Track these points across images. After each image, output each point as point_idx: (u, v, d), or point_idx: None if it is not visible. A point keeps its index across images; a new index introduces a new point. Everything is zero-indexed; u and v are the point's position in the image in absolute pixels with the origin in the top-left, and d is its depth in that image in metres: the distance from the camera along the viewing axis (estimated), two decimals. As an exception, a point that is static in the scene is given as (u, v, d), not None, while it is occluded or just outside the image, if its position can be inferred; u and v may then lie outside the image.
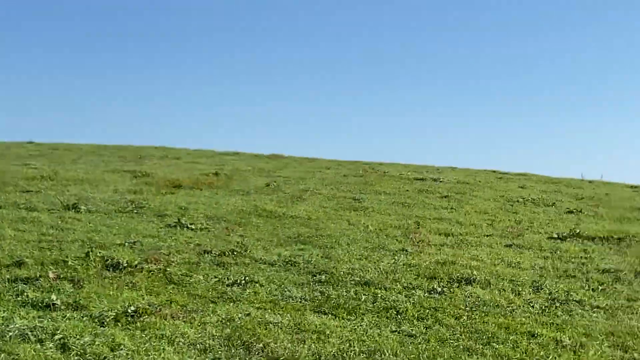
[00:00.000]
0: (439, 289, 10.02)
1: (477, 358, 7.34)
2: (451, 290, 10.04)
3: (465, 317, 8.74)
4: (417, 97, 79.12)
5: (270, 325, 7.91)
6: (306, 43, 75.57)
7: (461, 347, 7.68)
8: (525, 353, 7.46)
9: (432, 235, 14.93)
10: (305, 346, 7.31)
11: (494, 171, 30.51)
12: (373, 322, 8.42)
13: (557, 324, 8.56)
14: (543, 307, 9.30)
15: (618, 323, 8.62)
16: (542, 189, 24.01)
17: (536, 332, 8.17)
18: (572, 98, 78.31)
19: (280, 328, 7.84)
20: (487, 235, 15.18)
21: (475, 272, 11.02)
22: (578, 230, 15.88)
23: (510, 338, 7.95)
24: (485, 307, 9.19)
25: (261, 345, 7.23)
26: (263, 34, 74.31)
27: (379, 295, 9.55)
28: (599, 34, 76.41)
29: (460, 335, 8.08)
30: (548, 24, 77.33)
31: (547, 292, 10.17)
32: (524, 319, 8.76)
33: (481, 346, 7.69)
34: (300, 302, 9.08)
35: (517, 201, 20.67)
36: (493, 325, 8.42)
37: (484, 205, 19.54)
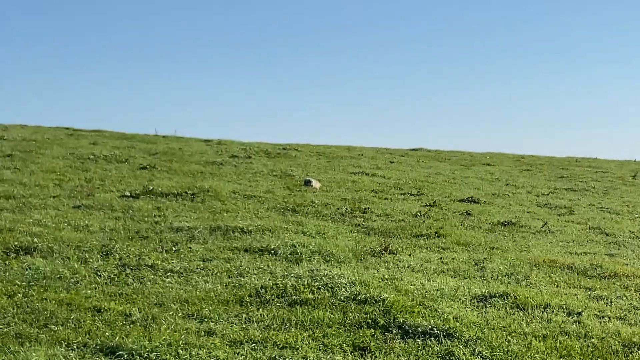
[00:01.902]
0: (-8, 263, 8.56)
1: (30, 345, 6.15)
2: (6, 262, 8.64)
3: (20, 295, 7.46)
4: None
5: None
6: None
7: (12, 333, 6.42)
8: (89, 334, 6.44)
9: (-10, 199, 13.15)
10: None
11: (67, 128, 28.82)
12: None
13: (127, 295, 7.69)
14: (112, 276, 8.36)
15: (193, 288, 8.02)
16: (115, 145, 23.09)
17: (103, 306, 7.19)
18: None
19: None
20: (54, 197, 13.83)
21: (36, 240, 9.71)
22: (151, 187, 15.28)
23: (73, 316, 6.87)
24: (45, 281, 7.98)
25: None
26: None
27: None
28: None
29: (13, 317, 6.80)
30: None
31: (118, 257, 9.26)
32: (89, 291, 7.73)
33: (37, 330, 6.51)
34: None
35: (89, 158, 19.49)
36: (53, 302, 7.26)
37: (52, 163, 18.01)
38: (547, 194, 20.66)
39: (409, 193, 18.58)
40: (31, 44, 75.42)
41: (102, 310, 7.08)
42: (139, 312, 7.05)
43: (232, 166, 20.75)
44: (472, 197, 18.29)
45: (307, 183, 18.21)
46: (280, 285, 8.01)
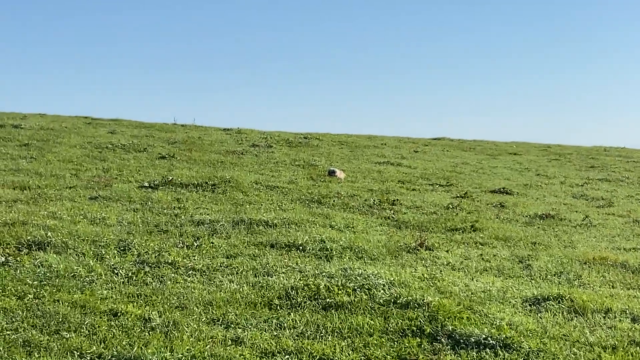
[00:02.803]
0: (3, 259, 7.94)
1: (39, 356, 5.51)
2: (18, 259, 8.00)
3: (31, 296, 6.82)
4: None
5: None
6: None
7: (20, 340, 5.78)
8: (104, 342, 5.79)
9: (4, 189, 12.56)
10: None
11: (85, 117, 28.26)
12: None
13: (146, 296, 7.03)
14: (130, 274, 7.70)
15: (217, 288, 7.35)
16: (133, 134, 22.50)
17: (120, 309, 6.52)
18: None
19: None
20: (70, 187, 13.23)
21: (50, 234, 9.08)
22: (171, 177, 14.66)
23: (87, 321, 6.22)
24: (58, 280, 7.34)
25: None
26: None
27: None
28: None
29: (22, 322, 6.17)
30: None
31: (136, 253, 8.62)
32: (105, 291, 7.08)
33: (47, 337, 5.87)
34: None
35: (107, 147, 18.91)
36: (66, 304, 6.62)
37: (69, 153, 17.43)
38: (582, 185, 19.85)
39: (437, 184, 17.85)
40: (52, 34, 75.17)
41: (119, 314, 6.42)
42: (159, 317, 6.39)
43: (253, 155, 20.10)
44: (503, 188, 17.55)
45: (332, 173, 17.53)
46: (312, 286, 7.32)
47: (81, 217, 10.48)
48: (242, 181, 15.12)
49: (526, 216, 13.82)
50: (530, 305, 7.35)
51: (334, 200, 13.98)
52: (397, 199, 14.51)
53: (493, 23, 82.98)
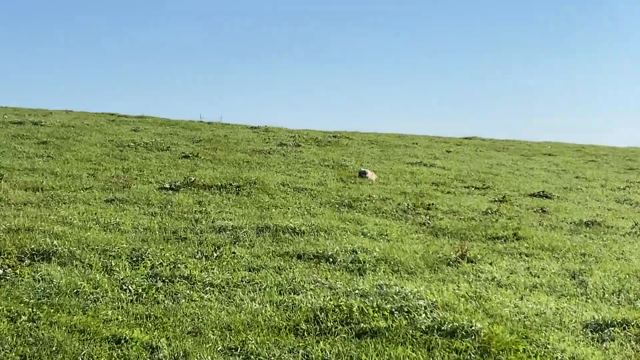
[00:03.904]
0: (0, 271, 7.18)
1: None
2: (17, 272, 7.24)
3: (25, 318, 6.04)
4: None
5: None
6: None
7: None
8: (100, 381, 4.99)
9: (15, 190, 11.86)
10: None
11: (112, 114, 27.66)
12: None
13: (157, 317, 6.22)
14: (140, 290, 6.89)
15: (237, 308, 6.52)
16: (157, 132, 21.77)
17: (125, 334, 5.70)
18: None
19: None
20: (86, 189, 12.50)
21: (57, 242, 8.33)
22: (193, 178, 13.89)
23: (85, 351, 5.41)
24: (58, 298, 6.55)
25: None
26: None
27: None
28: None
29: (10, 351, 5.38)
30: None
31: (149, 265, 7.82)
32: (111, 312, 6.28)
33: (33, 373, 5.07)
34: None
35: (128, 146, 18.20)
36: (64, 328, 5.82)
37: (88, 151, 16.72)
38: (624, 189, 18.78)
39: (473, 186, 16.92)
40: (85, 31, 75.15)
41: (122, 341, 5.60)
42: (168, 345, 5.56)
43: (281, 155, 19.29)
44: (543, 192, 16.56)
45: (363, 174, 16.66)
46: (344, 308, 6.47)
47: (94, 222, 9.73)
48: (268, 182, 14.32)
49: (570, 223, 12.87)
50: (592, 332, 6.45)
51: (365, 204, 13.14)
52: (432, 203, 13.62)
53: (524, 21, 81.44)
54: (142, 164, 15.82)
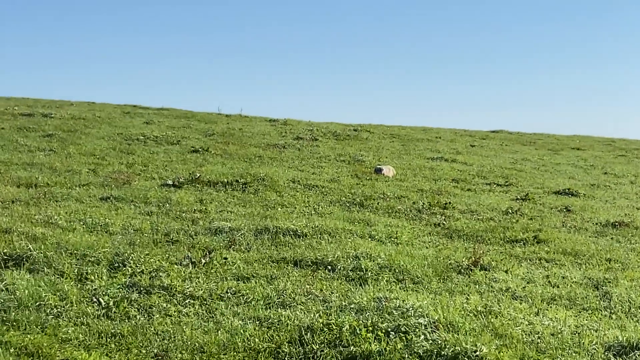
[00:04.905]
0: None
1: None
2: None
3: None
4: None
5: None
6: None
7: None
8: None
9: (7, 187, 11.30)
10: None
11: (134, 106, 27.16)
12: None
13: (122, 336, 5.51)
14: (111, 304, 6.21)
15: (215, 326, 5.79)
16: (170, 125, 21.16)
17: (80, 359, 5.06)
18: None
19: None
20: (83, 185, 11.91)
21: (34, 246, 7.69)
22: (198, 175, 13.25)
23: (29, 379, 4.78)
24: (16, 313, 5.81)
25: None
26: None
27: None
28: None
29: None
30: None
31: (129, 272, 7.15)
32: (72, 329, 5.55)
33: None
34: None
35: (137, 139, 17.60)
36: (13, 352, 5.13)
37: (93, 145, 16.15)
38: (656, 186, 17.89)
39: (495, 183, 16.14)
40: (115, 25, 75.26)
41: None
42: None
43: (295, 149, 18.60)
44: (568, 189, 15.73)
45: (379, 170, 15.93)
46: (334, 327, 5.75)
47: (80, 222, 9.11)
48: (277, 179, 13.65)
49: (596, 223, 12.06)
50: (614, 356, 5.68)
51: (378, 203, 12.43)
52: (450, 202, 12.86)
53: (554, 13, 80.00)
54: (149, 158, 15.21)
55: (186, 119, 23.48)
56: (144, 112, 24.78)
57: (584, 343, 5.88)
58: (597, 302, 7.26)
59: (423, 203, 12.61)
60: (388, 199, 12.82)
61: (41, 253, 7.44)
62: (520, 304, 7.00)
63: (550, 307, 6.98)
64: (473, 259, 8.50)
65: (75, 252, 7.62)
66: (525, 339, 5.86)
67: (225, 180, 13.14)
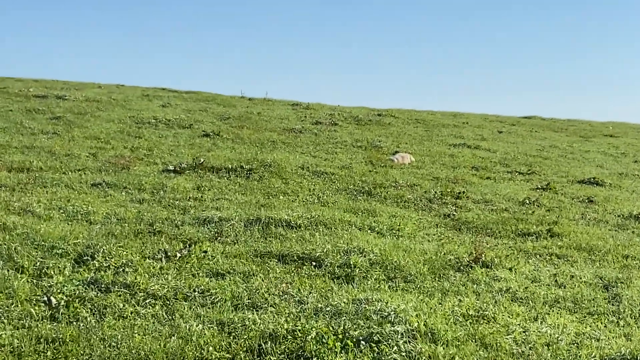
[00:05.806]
0: None
1: None
2: None
3: None
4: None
5: None
6: None
7: None
8: None
9: (-1, 172, 10.88)
10: None
11: (163, 89, 26.75)
12: None
13: (63, 343, 4.93)
14: (62, 303, 5.67)
15: (170, 331, 5.24)
16: (187, 108, 20.66)
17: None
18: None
19: None
20: (78, 170, 11.46)
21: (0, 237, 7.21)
22: (202, 160, 12.73)
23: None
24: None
25: None
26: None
27: None
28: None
29: None
30: None
31: (95, 267, 6.63)
32: (10, 333, 5.06)
33: None
34: None
35: (148, 123, 17.13)
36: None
37: (100, 128, 15.70)
38: (689, 175, 16.98)
39: (516, 171, 15.42)
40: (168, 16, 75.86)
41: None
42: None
43: (312, 134, 17.99)
44: (594, 178, 14.94)
45: (394, 157, 15.30)
46: (299, 334, 5.16)
47: (60, 211, 8.63)
48: (285, 165, 13.08)
49: (618, 216, 11.33)
50: (615, 372, 5.04)
51: (387, 192, 11.82)
52: (464, 191, 12.20)
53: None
54: (156, 142, 14.74)
55: (205, 102, 23.00)
56: (164, 95, 24.33)
57: (581, 356, 5.23)
58: (605, 306, 6.59)
59: (435, 192, 11.97)
60: (399, 188, 12.20)
61: (5, 245, 6.95)
62: (519, 307, 6.36)
63: (552, 311, 6.33)
64: (474, 254, 7.86)
65: (43, 243, 7.13)
66: (514, 351, 5.22)
67: (230, 166, 12.62)
